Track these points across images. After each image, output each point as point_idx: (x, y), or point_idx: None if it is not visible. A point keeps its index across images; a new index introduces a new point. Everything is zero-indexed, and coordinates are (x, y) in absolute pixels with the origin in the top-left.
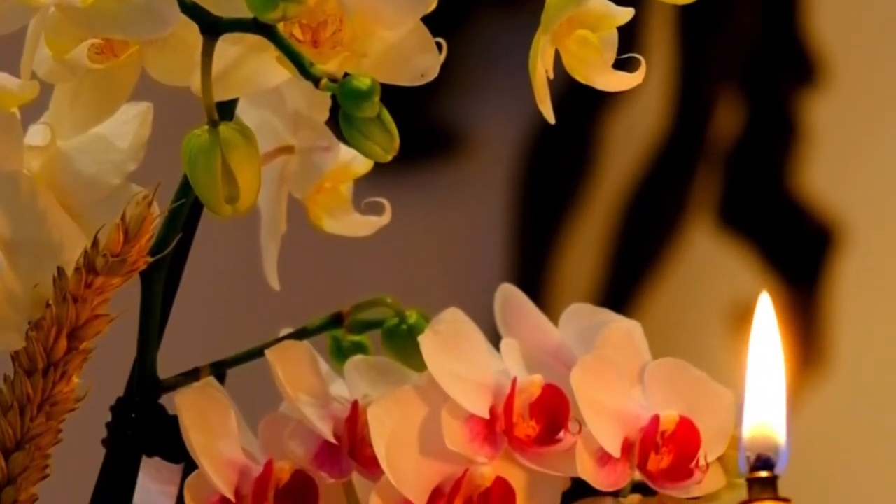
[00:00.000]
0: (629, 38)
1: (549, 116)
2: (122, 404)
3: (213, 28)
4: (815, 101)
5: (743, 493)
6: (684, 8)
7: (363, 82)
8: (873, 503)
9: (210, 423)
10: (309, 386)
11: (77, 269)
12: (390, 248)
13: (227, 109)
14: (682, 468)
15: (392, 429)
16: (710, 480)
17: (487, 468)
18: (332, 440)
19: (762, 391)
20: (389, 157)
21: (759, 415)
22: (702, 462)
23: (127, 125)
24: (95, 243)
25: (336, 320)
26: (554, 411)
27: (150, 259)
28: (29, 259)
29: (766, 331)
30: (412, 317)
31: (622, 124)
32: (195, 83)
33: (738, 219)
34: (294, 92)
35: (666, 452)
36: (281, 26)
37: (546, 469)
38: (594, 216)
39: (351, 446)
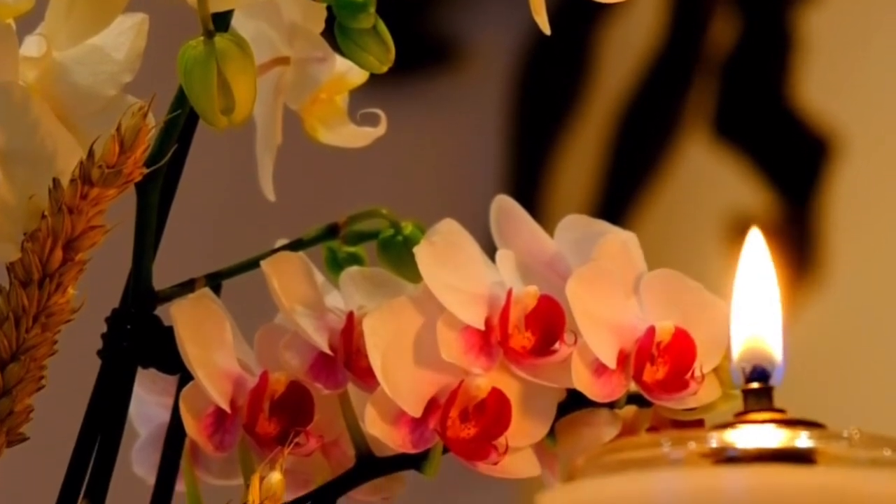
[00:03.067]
0: None
1: (545, 27)
2: (117, 315)
3: None
4: (811, 12)
5: (738, 405)
6: None
7: None
8: (869, 415)
9: (205, 334)
10: (304, 297)
11: (72, 181)
12: (386, 160)
13: (222, 21)
14: (678, 379)
15: (387, 340)
16: (705, 391)
17: (483, 379)
18: (328, 351)
19: (754, 306)
20: (385, 69)
21: (751, 328)
22: (697, 373)
23: (122, 36)
24: (91, 154)
25: (331, 231)
26: (549, 322)
27: (146, 170)
28: (24, 170)
29: (757, 257)
30: (408, 228)
31: (618, 35)
32: None
33: (734, 130)
34: (289, 3)
35: (661, 364)
36: None
37: (541, 380)
38: (590, 127)
39: (346, 357)
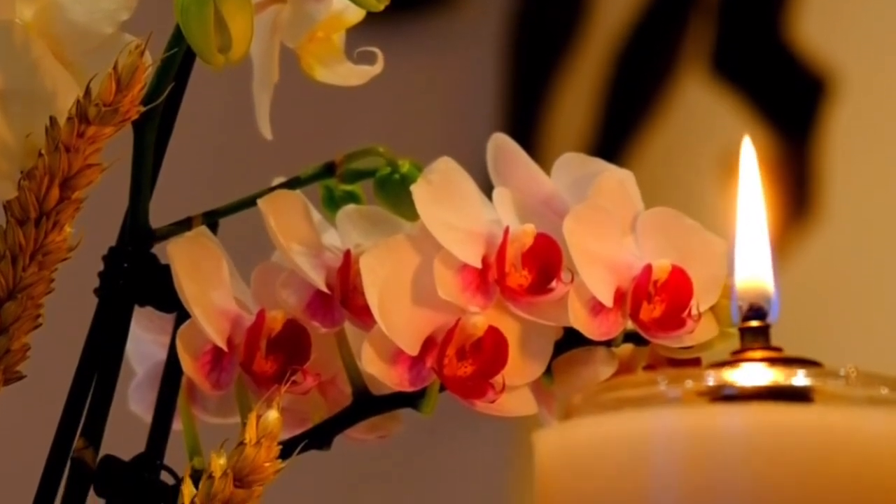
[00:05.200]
0: None
1: None
2: (114, 254)
3: None
4: None
5: (735, 343)
6: None
7: None
8: (865, 352)
9: (202, 272)
10: (301, 235)
11: (69, 119)
12: (383, 98)
13: None
14: (675, 317)
15: (384, 278)
16: (702, 330)
17: (480, 317)
18: (325, 289)
19: (750, 242)
20: (382, 7)
21: (749, 265)
22: (694, 311)
23: None
24: (88, 93)
25: (328, 170)
26: (546, 261)
27: (143, 108)
28: (21, 108)
29: (750, 179)
30: (405, 166)
31: None
32: None
33: (731, 68)
34: None
35: (658, 302)
36: None
37: (538, 318)
38: (587, 65)
39: (343, 295)
